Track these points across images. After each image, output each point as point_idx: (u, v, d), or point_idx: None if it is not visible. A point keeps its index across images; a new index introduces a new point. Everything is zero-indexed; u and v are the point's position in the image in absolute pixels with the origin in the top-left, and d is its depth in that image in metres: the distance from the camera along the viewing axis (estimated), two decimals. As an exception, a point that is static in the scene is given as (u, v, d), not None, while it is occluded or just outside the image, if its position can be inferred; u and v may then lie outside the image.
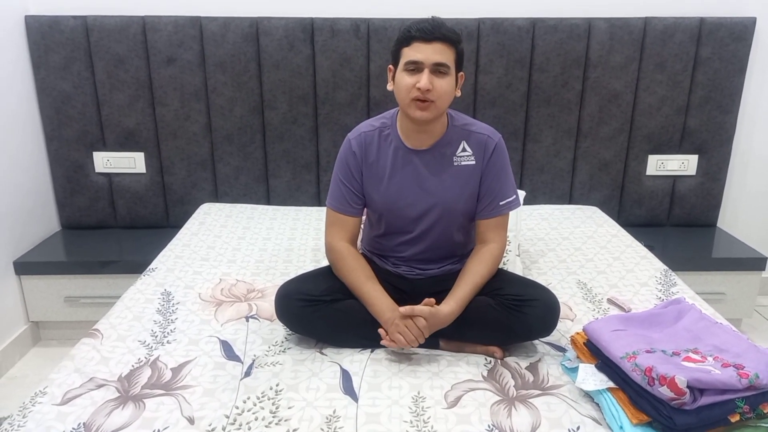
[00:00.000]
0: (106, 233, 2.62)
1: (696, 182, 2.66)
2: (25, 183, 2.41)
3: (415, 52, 1.43)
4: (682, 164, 2.63)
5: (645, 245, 2.22)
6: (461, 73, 1.52)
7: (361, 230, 1.75)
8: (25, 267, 2.33)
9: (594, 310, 1.74)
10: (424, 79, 1.42)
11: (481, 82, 2.50)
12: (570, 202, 2.69)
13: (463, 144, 1.57)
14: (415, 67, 1.44)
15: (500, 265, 1.64)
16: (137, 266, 2.08)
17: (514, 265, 1.97)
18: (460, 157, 1.56)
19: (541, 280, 1.91)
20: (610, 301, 1.80)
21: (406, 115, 1.51)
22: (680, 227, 2.72)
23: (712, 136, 2.58)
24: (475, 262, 1.56)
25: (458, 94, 1.53)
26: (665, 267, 2.03)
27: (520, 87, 2.51)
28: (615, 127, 2.58)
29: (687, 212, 2.70)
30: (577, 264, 2.07)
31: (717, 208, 2.70)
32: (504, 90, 2.51)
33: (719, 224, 2.73)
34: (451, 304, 1.47)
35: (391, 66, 1.53)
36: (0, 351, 2.21)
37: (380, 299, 1.50)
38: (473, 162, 1.56)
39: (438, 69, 1.44)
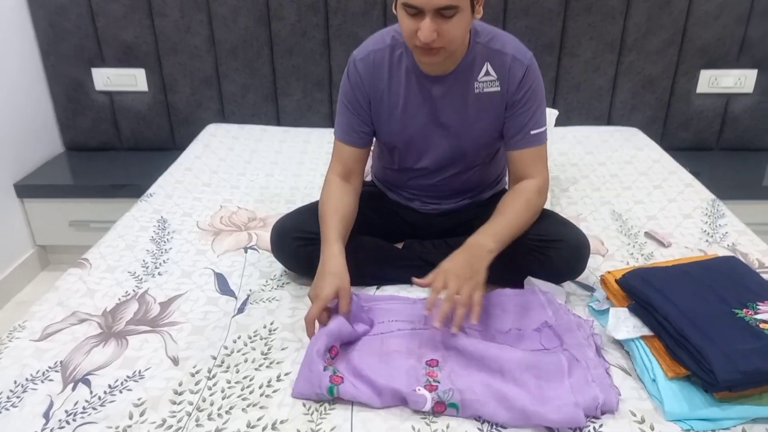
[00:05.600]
0: (111, 155, 2.50)
1: (752, 101, 2.37)
2: (23, 102, 2.28)
3: None
4: (739, 80, 2.33)
5: (690, 172, 2.00)
6: None
7: (370, 158, 1.56)
8: (27, 190, 2.24)
9: (629, 244, 1.56)
10: (425, 30, 1.13)
11: (512, -14, 2.22)
12: (608, 124, 2.45)
13: (487, 66, 1.30)
14: (415, 12, 1.14)
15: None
16: (143, 191, 1.95)
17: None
18: (482, 82, 1.30)
19: (570, 210, 1.73)
20: (647, 234, 1.61)
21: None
22: (731, 151, 2.45)
23: (776, 49, 2.27)
24: (509, 197, 1.32)
25: (479, 16, 1.21)
26: (713, 196, 1.81)
27: (557, -9, 2.22)
28: (664, 38, 2.28)
29: (740, 135, 2.43)
30: (612, 192, 1.87)
31: (774, 130, 2.42)
32: (538, -5, 2.23)
33: (775, 149, 2.47)
34: (483, 236, 1.22)
35: None
36: (7, 275, 2.16)
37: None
38: (497, 88, 1.30)
39: (442, 13, 1.13)
